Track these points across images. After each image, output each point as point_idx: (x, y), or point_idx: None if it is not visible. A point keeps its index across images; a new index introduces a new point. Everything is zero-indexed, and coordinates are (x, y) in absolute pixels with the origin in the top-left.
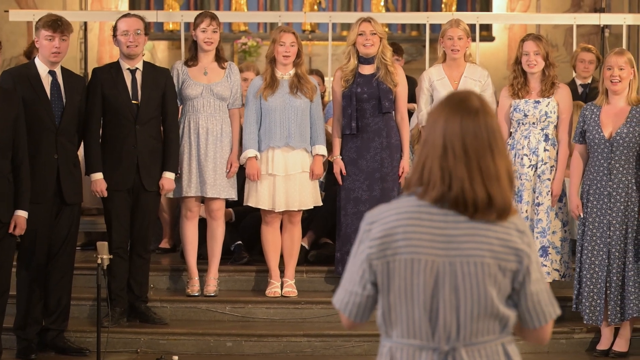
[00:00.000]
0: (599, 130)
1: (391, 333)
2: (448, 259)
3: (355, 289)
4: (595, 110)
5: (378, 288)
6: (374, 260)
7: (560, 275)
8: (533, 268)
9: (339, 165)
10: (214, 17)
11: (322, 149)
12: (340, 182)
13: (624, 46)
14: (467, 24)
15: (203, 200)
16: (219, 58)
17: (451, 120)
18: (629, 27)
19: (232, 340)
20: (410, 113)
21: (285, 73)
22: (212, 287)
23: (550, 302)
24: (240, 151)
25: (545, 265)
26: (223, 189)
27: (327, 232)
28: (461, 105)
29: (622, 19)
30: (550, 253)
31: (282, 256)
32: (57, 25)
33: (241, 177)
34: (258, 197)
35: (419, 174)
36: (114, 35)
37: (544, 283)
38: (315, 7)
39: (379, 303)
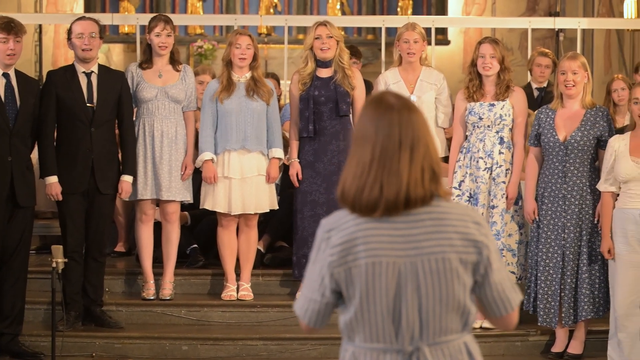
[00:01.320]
0: (554, 133)
1: (354, 337)
2: (409, 259)
3: (314, 296)
4: (550, 113)
5: (342, 294)
6: (335, 268)
7: (517, 277)
8: (493, 258)
9: (295, 169)
10: (168, 21)
11: (278, 152)
12: (297, 185)
13: (578, 50)
14: (423, 28)
15: (158, 203)
16: (174, 61)
17: (369, 128)
18: (584, 31)
19: (188, 343)
20: None
21: (241, 76)
22: (167, 290)
23: (513, 289)
24: (196, 154)
25: (503, 264)
26: (178, 191)
27: (283, 235)
28: (378, 104)
29: (576, 23)
30: (505, 255)
31: (238, 259)
32: (10, 27)
33: (197, 180)
34: (214, 200)
35: (342, 184)
36: (69, 38)
37: (505, 271)
38: (271, 10)
39: (342, 308)
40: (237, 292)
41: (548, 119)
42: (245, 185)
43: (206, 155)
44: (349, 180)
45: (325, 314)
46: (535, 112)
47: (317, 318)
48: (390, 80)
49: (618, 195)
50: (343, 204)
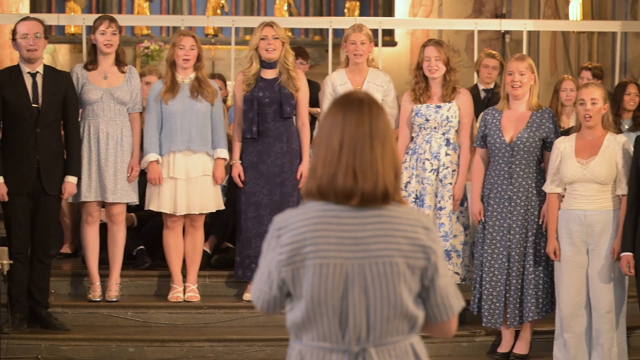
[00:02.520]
0: (500, 134)
1: (301, 336)
2: (357, 261)
3: (263, 287)
4: (496, 114)
5: (289, 292)
6: (283, 267)
7: (461, 278)
8: (440, 263)
9: (237, 170)
10: (112, 20)
11: (223, 153)
12: (241, 186)
13: (524, 51)
14: (370, 29)
15: (104, 204)
16: (119, 62)
17: (337, 116)
18: (529, 32)
19: (134, 345)
20: (313, 118)
21: (185, 77)
22: (114, 292)
23: (455, 295)
24: (141, 155)
25: (448, 269)
26: (124, 193)
27: (229, 236)
28: (346, 99)
29: (522, 25)
30: (452, 257)
31: (184, 261)
32: None
33: (143, 181)
34: (159, 201)
35: (311, 176)
36: (14, 39)
37: (449, 277)
38: (218, 11)
39: (290, 307)
40: (184, 294)
41: (494, 120)
42: (190, 186)
43: (151, 156)
44: (320, 167)
45: (276, 304)
46: (482, 113)
47: (268, 307)
48: (337, 81)
49: (563, 196)
50: (311, 195)
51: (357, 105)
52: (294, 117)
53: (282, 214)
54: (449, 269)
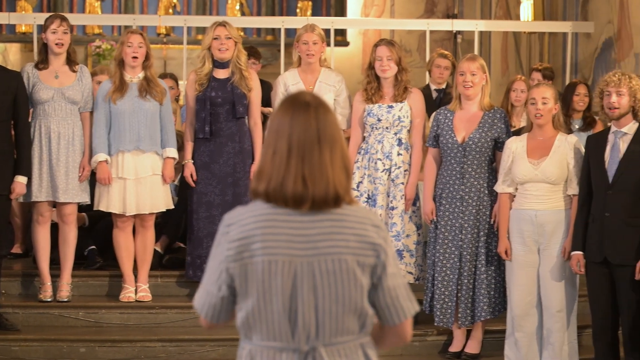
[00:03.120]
0: (452, 134)
1: (251, 335)
2: (306, 258)
3: (211, 289)
4: (448, 115)
5: (236, 291)
6: (231, 263)
7: (414, 278)
8: (389, 262)
9: (189, 170)
10: (64, 19)
11: (172, 152)
12: (193, 186)
13: (476, 52)
14: (322, 29)
15: (55, 204)
16: (70, 61)
17: (284, 120)
18: (481, 33)
19: (86, 346)
20: (266, 118)
21: (134, 76)
22: (65, 292)
23: (408, 298)
24: (92, 155)
25: (401, 270)
26: (75, 193)
27: (180, 237)
28: (293, 102)
29: (474, 25)
30: (404, 256)
31: (136, 261)
32: None
33: (94, 181)
34: (109, 201)
35: (258, 178)
36: None
37: (402, 278)
38: (171, 10)
39: (239, 306)
40: (136, 294)
41: (446, 120)
42: (139, 186)
43: (100, 156)
44: (267, 172)
45: (222, 309)
46: (434, 113)
47: (213, 312)
48: (289, 81)
49: (515, 196)
50: (258, 196)
51: (304, 108)
52: (247, 117)
53: (232, 211)
54: (401, 269)
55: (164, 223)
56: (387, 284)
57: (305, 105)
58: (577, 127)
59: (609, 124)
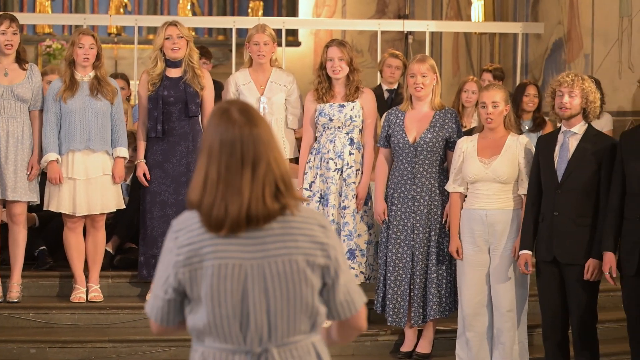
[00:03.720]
0: (404, 134)
1: (203, 338)
2: (256, 261)
3: (159, 293)
4: (399, 115)
5: (186, 295)
6: (181, 269)
7: (365, 277)
8: (341, 259)
9: (142, 169)
10: (13, 19)
11: (123, 152)
12: (146, 185)
13: (427, 52)
14: (274, 29)
15: (5, 204)
16: (20, 60)
17: (214, 140)
18: (432, 33)
19: (36, 346)
20: None
21: (85, 75)
22: (15, 293)
23: (357, 290)
24: (42, 154)
25: (353, 268)
26: (24, 192)
27: (132, 237)
28: (220, 119)
29: (425, 26)
30: (356, 256)
31: (87, 261)
32: None
33: (44, 181)
34: (59, 201)
35: (192, 193)
36: None
37: (350, 273)
38: (121, 10)
39: (190, 310)
40: (87, 294)
41: (398, 121)
42: (90, 186)
43: (50, 155)
44: (198, 195)
45: (170, 311)
46: (385, 113)
47: (162, 315)
48: (240, 81)
49: (466, 196)
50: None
51: (230, 129)
52: (200, 116)
53: (180, 217)
54: (352, 268)
55: (115, 223)
56: (341, 281)
57: (232, 124)
58: (527, 127)
59: (559, 125)
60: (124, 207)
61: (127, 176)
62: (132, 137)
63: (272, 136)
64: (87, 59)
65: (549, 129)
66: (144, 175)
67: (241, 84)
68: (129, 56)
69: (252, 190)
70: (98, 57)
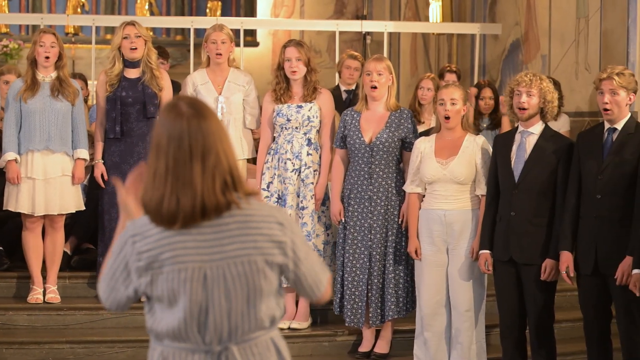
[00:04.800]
0: (360, 135)
1: (162, 338)
2: (215, 263)
3: (118, 285)
4: (355, 115)
5: (147, 296)
6: (143, 272)
7: None
8: (299, 250)
9: (99, 170)
10: None
11: (83, 153)
12: (103, 186)
13: (385, 53)
14: (232, 29)
15: None
16: None
17: (162, 134)
18: (390, 34)
19: None
20: None
21: (46, 75)
22: None
23: (322, 270)
24: (0, 154)
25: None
26: None
27: (89, 237)
28: (169, 113)
29: (383, 26)
30: None
31: (44, 262)
32: None
33: (2, 181)
34: (17, 201)
35: (142, 196)
36: None
37: (313, 254)
38: (79, 10)
39: (150, 311)
40: (44, 295)
41: (353, 121)
42: (49, 186)
43: (9, 155)
44: (149, 192)
45: (127, 304)
46: (341, 114)
47: (117, 306)
48: (198, 81)
49: (424, 196)
50: (145, 213)
51: (178, 121)
52: (158, 117)
53: (135, 221)
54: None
55: (73, 224)
56: (303, 271)
57: (179, 116)
58: (484, 125)
59: (516, 124)
60: (84, 208)
61: (85, 177)
62: (90, 138)
63: (221, 129)
64: (48, 57)
65: (506, 127)
66: (102, 176)
67: (199, 84)
68: (87, 56)
69: (204, 182)
70: (60, 56)
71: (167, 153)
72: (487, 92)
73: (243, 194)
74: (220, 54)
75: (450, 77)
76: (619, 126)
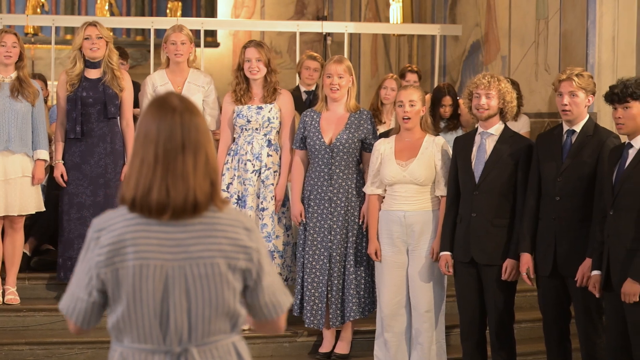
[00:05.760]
0: (319, 136)
1: (122, 338)
2: (177, 262)
3: (81, 295)
4: (315, 116)
5: (108, 295)
6: (102, 269)
7: (283, 279)
8: (264, 262)
9: (59, 170)
10: None
11: (43, 154)
12: (64, 186)
13: (346, 54)
14: (192, 30)
15: None
16: None
17: (151, 127)
18: (351, 35)
19: None
20: (136, 119)
21: (6, 76)
22: None
23: (283, 292)
24: None
25: (274, 267)
26: None
27: (49, 238)
28: (160, 106)
29: (343, 27)
30: (274, 257)
31: (3, 263)
32: None
33: None
34: None
35: (126, 184)
36: None
37: (276, 275)
38: (39, 10)
39: (110, 309)
40: (3, 297)
41: (313, 122)
42: (9, 187)
43: None
44: (134, 180)
45: (93, 313)
46: (301, 115)
47: (84, 317)
48: (157, 82)
49: (384, 197)
50: (125, 203)
51: (170, 114)
52: (119, 118)
53: (101, 216)
54: (274, 268)
55: (32, 224)
56: (264, 284)
57: (171, 110)
58: (443, 125)
59: (476, 125)
60: (44, 209)
61: (44, 177)
62: (50, 138)
63: (208, 129)
64: (10, 56)
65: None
66: (62, 176)
67: (158, 85)
68: (46, 56)
69: (196, 177)
70: (21, 57)
71: (156, 142)
72: (447, 101)
73: (218, 196)
74: (180, 55)
75: (412, 77)
76: (578, 128)
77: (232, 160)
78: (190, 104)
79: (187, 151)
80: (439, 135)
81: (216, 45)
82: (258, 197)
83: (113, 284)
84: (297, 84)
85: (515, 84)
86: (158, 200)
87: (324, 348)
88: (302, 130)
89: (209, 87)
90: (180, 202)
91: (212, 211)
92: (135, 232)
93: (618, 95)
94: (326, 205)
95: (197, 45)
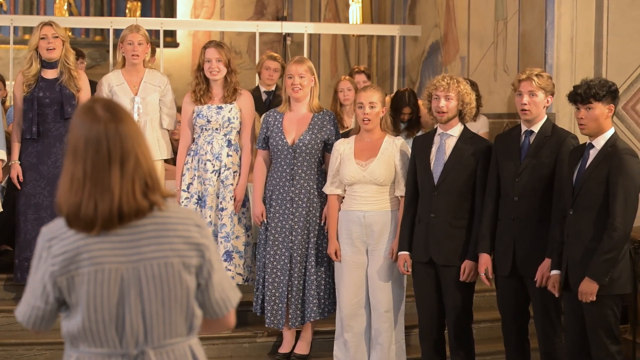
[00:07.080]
0: (282, 136)
1: (77, 344)
2: (131, 264)
3: (37, 303)
4: (278, 117)
5: (65, 301)
6: (58, 277)
7: (243, 279)
8: (214, 259)
9: (15, 170)
10: None
11: (1, 154)
12: (19, 187)
13: (305, 54)
14: (152, 30)
15: None
16: None
17: (79, 138)
18: (310, 35)
19: None
20: None
21: None
22: None
23: (231, 287)
24: None
25: (230, 270)
26: None
27: (6, 239)
28: (85, 117)
29: (303, 28)
30: (234, 257)
31: None
32: None
33: None
34: None
35: (59, 201)
36: None
37: (224, 271)
38: None
39: (65, 315)
40: None
41: (276, 122)
42: None
43: None
44: (65, 196)
45: (50, 318)
46: (264, 115)
47: (41, 323)
48: (113, 82)
49: (344, 197)
50: (61, 216)
51: (95, 126)
52: None
53: (50, 225)
54: (229, 270)
55: None
56: (214, 280)
57: (96, 121)
58: (403, 126)
59: (435, 126)
60: (1, 210)
61: (3, 178)
62: (8, 139)
63: (138, 131)
64: None
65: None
66: (18, 177)
67: (114, 85)
68: (4, 56)
69: (122, 187)
70: None
71: (84, 158)
72: (407, 110)
73: (160, 196)
74: (137, 55)
75: (360, 78)
76: (536, 129)
77: (192, 160)
78: (116, 111)
79: (113, 163)
80: (398, 136)
81: (175, 45)
82: (218, 197)
83: (69, 291)
84: (257, 84)
85: (474, 85)
86: (85, 216)
87: (284, 348)
88: (264, 130)
89: (165, 87)
90: (106, 215)
91: (159, 210)
92: (87, 239)
93: (581, 95)
94: (288, 205)
95: (157, 45)
